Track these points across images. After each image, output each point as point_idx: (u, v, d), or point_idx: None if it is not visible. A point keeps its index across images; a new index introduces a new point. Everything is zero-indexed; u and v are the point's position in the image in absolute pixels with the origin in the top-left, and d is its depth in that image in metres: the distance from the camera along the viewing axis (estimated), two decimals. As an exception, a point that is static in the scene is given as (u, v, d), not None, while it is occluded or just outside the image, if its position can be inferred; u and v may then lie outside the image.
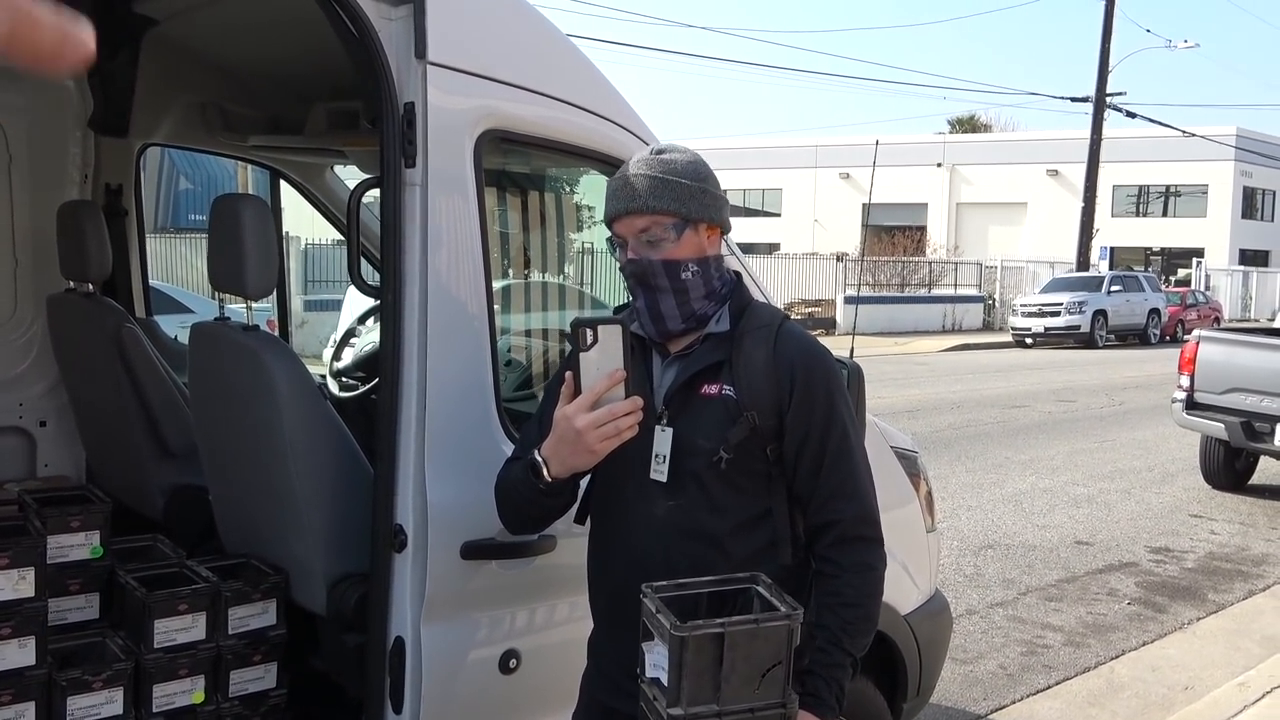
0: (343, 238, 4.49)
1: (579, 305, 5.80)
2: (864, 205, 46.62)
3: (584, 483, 2.09)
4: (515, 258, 3.86)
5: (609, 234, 2.03)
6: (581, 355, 1.87)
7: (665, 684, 1.77)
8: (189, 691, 2.67)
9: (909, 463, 3.59)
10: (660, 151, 2.02)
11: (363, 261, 2.58)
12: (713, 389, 2.00)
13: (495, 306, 2.43)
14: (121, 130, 3.80)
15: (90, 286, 3.52)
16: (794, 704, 1.82)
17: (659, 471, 2.00)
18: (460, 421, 2.34)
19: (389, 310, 2.30)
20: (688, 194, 1.97)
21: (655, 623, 1.80)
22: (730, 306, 2.06)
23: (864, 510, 2.03)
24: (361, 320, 4.20)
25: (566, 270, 6.75)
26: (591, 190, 3.27)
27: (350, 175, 4.45)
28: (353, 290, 4.75)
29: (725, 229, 2.07)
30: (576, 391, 1.88)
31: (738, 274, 2.13)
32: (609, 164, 2.64)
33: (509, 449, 2.39)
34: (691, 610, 1.84)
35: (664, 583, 1.88)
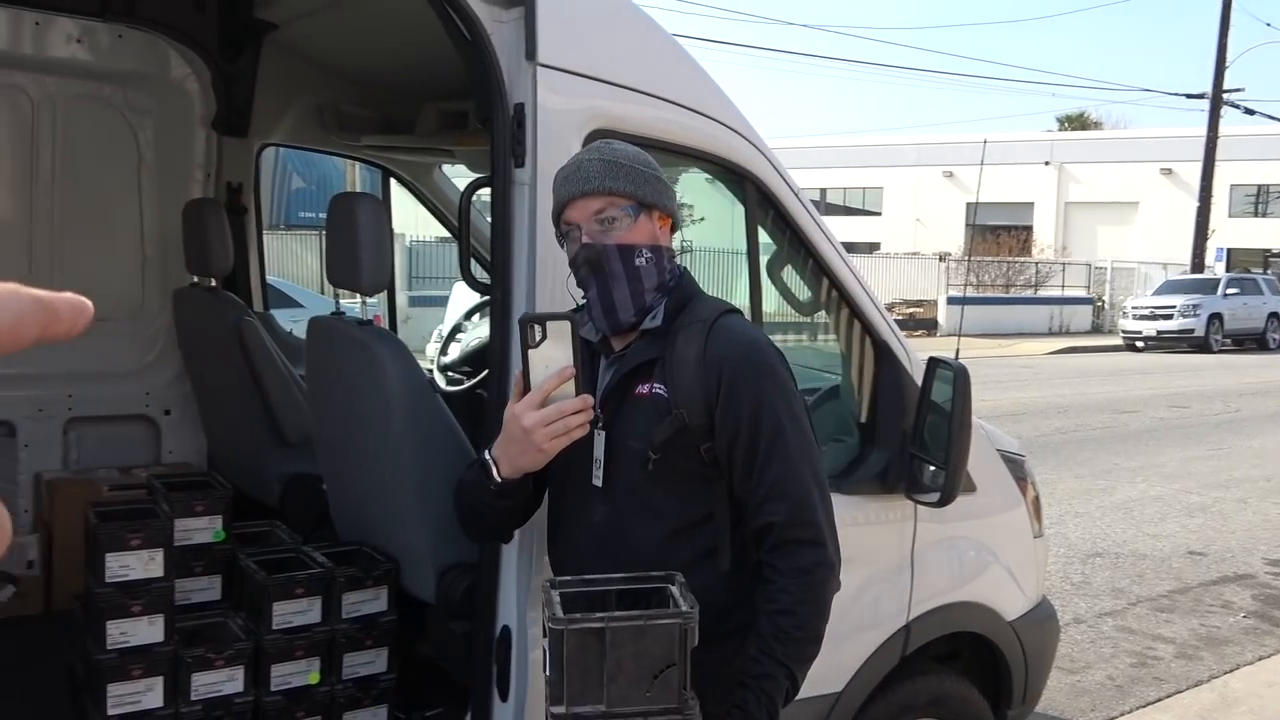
0: (448, 235, 4.58)
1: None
2: (968, 204, 45.74)
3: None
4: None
5: (557, 229, 2.00)
6: (530, 352, 1.82)
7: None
8: (305, 672, 2.77)
9: (1016, 466, 3.54)
10: (608, 141, 2.01)
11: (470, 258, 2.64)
12: (645, 388, 1.94)
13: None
14: (242, 130, 3.95)
15: (213, 281, 3.66)
16: (693, 710, 1.72)
17: (597, 476, 1.96)
18: (567, 414, 2.37)
19: (497, 306, 2.35)
20: (641, 178, 1.93)
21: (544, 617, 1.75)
22: (669, 302, 1.98)
23: (800, 511, 1.92)
24: (468, 316, 4.29)
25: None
26: (689, 189, 3.27)
27: (457, 174, 4.55)
28: (459, 286, 4.86)
29: (677, 222, 2.02)
30: (526, 389, 1.83)
31: (684, 270, 2.06)
32: (714, 163, 2.66)
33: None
34: (600, 608, 1.76)
35: (568, 578, 1.84)
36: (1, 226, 3.79)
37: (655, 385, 1.93)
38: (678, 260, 2.05)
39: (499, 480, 1.90)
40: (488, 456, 1.91)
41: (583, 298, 1.98)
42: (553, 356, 1.81)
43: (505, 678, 2.35)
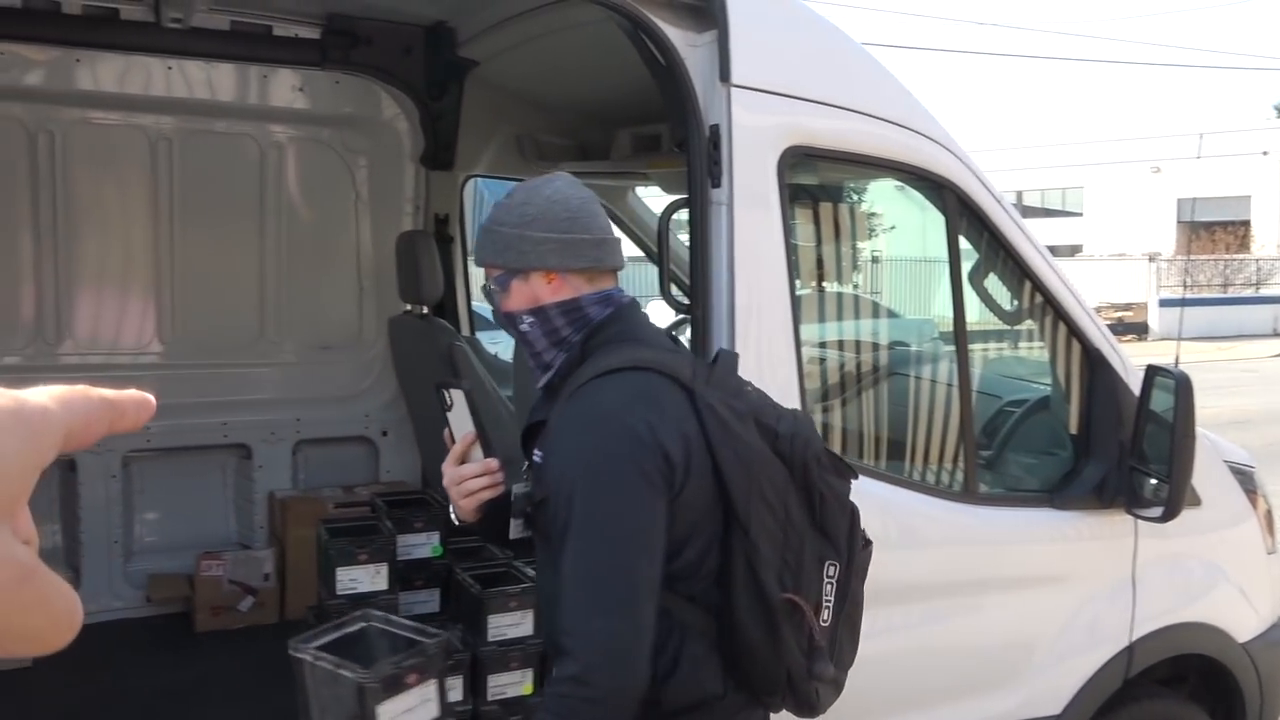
0: (636, 255, 4.67)
1: (873, 315, 5.74)
2: (1179, 201, 43.19)
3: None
4: (812, 269, 3.89)
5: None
6: (448, 415, 1.92)
7: None
8: (520, 683, 2.87)
9: (1245, 479, 3.33)
10: (510, 193, 1.92)
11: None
12: (536, 454, 1.82)
13: (799, 318, 2.48)
14: (448, 164, 4.15)
15: (424, 308, 3.85)
16: None
17: (514, 531, 1.93)
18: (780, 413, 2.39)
19: (698, 324, 2.38)
20: (506, 243, 1.83)
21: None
22: (570, 356, 1.83)
23: (566, 614, 1.68)
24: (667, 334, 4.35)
25: (857, 280, 6.69)
26: (881, 199, 3.22)
27: (649, 195, 4.63)
28: (654, 305, 4.94)
29: (562, 270, 1.83)
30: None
31: (609, 316, 1.86)
32: (912, 174, 2.63)
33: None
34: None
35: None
36: (237, 263, 4.10)
37: (537, 452, 1.82)
38: (590, 308, 1.86)
39: (456, 522, 1.99)
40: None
41: None
42: (461, 421, 1.90)
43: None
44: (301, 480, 4.29)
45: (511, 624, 2.83)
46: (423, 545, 3.12)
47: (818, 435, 1.89)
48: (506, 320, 1.90)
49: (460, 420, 1.91)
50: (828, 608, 1.80)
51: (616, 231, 4.60)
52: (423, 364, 3.80)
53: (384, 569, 2.86)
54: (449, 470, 1.90)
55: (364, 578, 2.84)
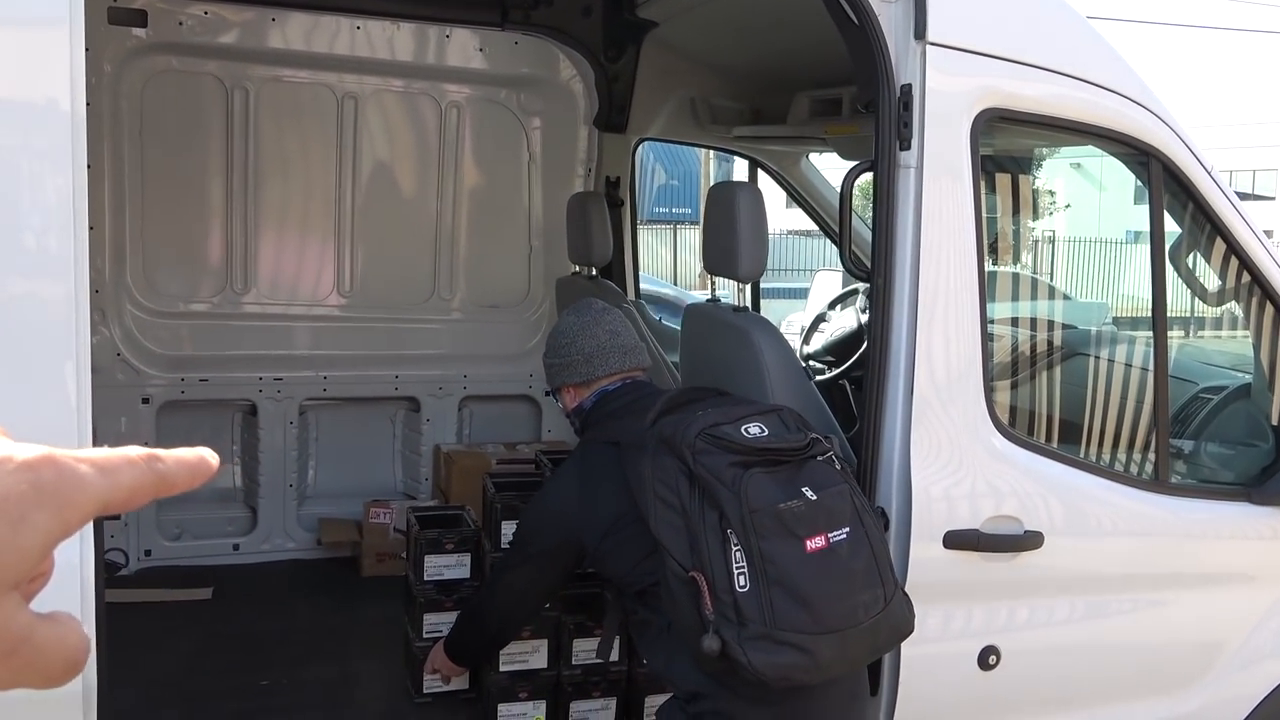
0: (794, 227, 4.58)
1: (1050, 297, 5.50)
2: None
3: None
4: (996, 244, 3.74)
5: None
6: None
7: None
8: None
9: None
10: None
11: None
12: None
13: (986, 295, 2.37)
14: (621, 126, 4.14)
15: (593, 270, 3.87)
16: None
17: None
18: (948, 409, 2.30)
19: (878, 294, 2.30)
20: (546, 372, 2.68)
21: None
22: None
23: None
24: (832, 305, 4.27)
25: (1026, 258, 6.43)
26: (1058, 174, 3.06)
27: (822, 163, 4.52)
28: (822, 275, 4.85)
29: (579, 383, 2.58)
30: None
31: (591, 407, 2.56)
32: (1117, 142, 2.48)
33: (998, 442, 2.33)
34: None
35: None
36: (414, 221, 4.20)
37: None
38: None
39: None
40: None
41: None
42: None
43: (876, 672, 2.32)
44: (466, 435, 4.38)
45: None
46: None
47: (700, 424, 2.11)
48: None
49: None
50: (740, 573, 1.98)
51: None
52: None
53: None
54: None
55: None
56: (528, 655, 2.85)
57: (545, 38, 3.99)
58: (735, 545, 1.99)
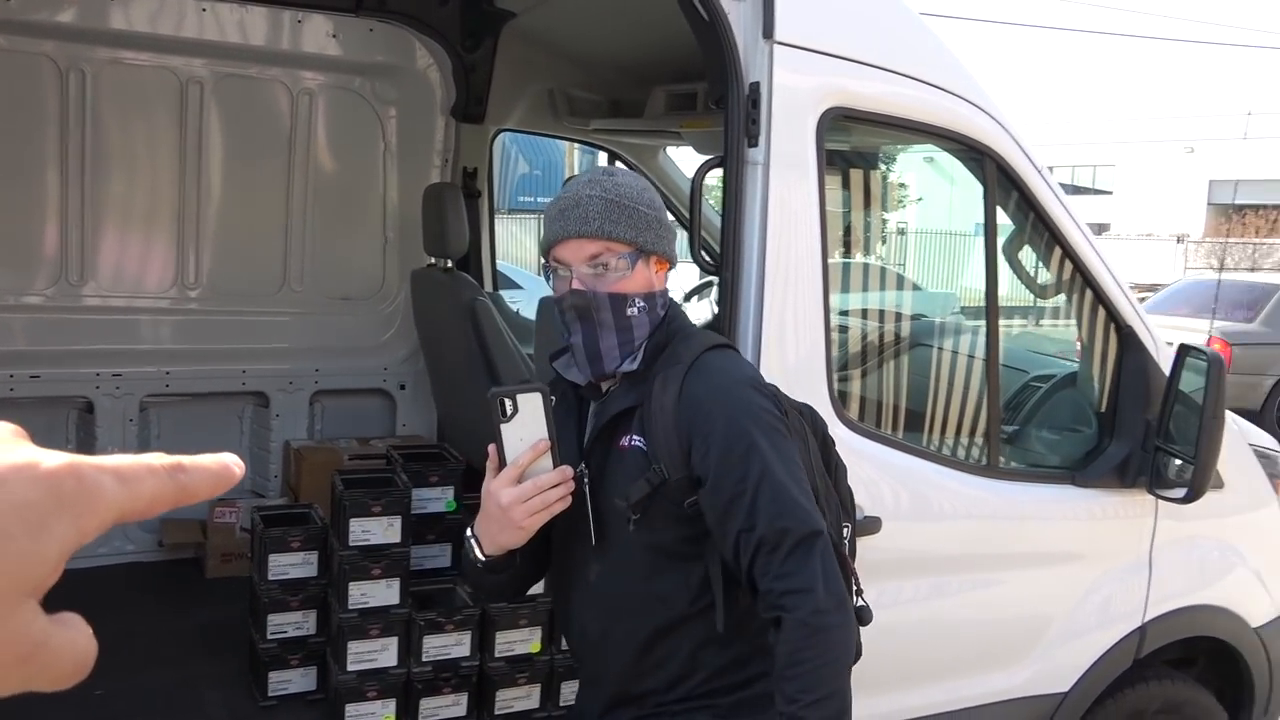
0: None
1: (899, 287, 5.68)
2: (1211, 182, 42.68)
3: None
4: (845, 237, 3.85)
5: (546, 261, 1.84)
6: (502, 426, 1.70)
7: None
8: (528, 640, 2.88)
9: (1269, 463, 3.30)
10: (610, 174, 1.87)
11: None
12: (625, 441, 1.80)
13: (829, 286, 2.44)
14: (478, 117, 4.11)
15: (449, 262, 3.83)
16: None
17: (589, 534, 1.83)
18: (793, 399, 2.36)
19: (726, 287, 2.35)
20: (644, 222, 1.79)
21: None
22: (650, 343, 1.82)
23: (790, 561, 1.70)
24: (688, 297, 4.32)
25: (880, 251, 6.64)
26: (915, 169, 3.18)
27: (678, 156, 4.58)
28: (682, 268, 4.89)
29: (673, 264, 1.88)
30: (501, 465, 1.72)
31: (671, 303, 1.90)
32: (953, 140, 2.58)
33: (840, 430, 2.40)
34: None
35: None
36: (263, 212, 4.08)
37: (634, 438, 1.79)
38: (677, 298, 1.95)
39: (483, 558, 1.80)
40: (469, 534, 1.82)
41: (567, 338, 1.84)
42: (526, 430, 1.70)
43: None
44: (318, 431, 4.29)
45: (524, 581, 2.83)
46: (437, 500, 3.11)
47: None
48: (609, 303, 1.77)
49: (525, 429, 1.70)
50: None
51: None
52: (444, 318, 3.78)
53: (397, 522, 2.86)
54: (509, 489, 1.70)
55: (377, 529, 2.83)
56: (376, 654, 2.81)
57: (401, 25, 3.93)
58: (845, 539, 1.94)
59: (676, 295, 4.46)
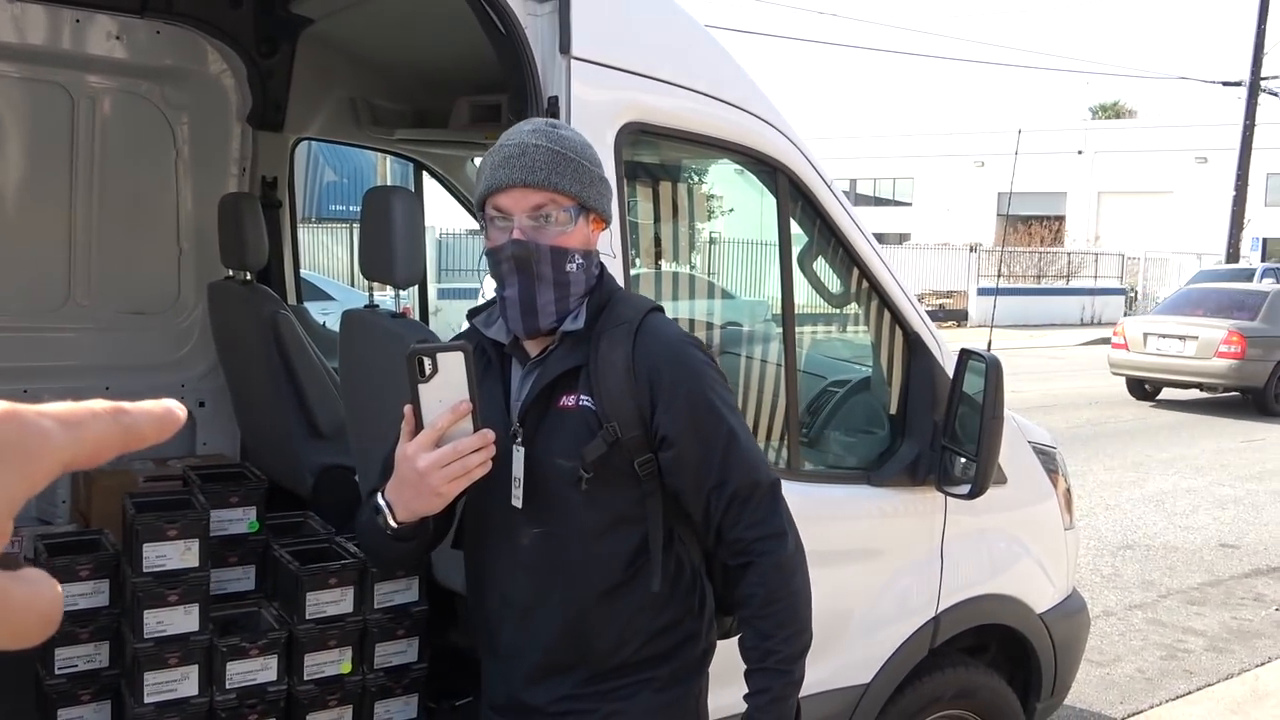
0: (477, 227, 4.60)
1: (709, 295, 5.83)
2: (1000, 194, 45.36)
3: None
4: (649, 248, 3.91)
5: (482, 211, 1.80)
6: (420, 387, 1.62)
7: None
8: (337, 661, 2.80)
9: (1047, 458, 3.52)
10: (554, 125, 1.84)
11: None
12: (570, 400, 1.79)
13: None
14: (277, 125, 3.99)
15: (248, 274, 3.70)
16: None
17: (516, 497, 1.80)
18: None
19: (531, 299, 2.36)
20: (588, 177, 1.77)
21: None
22: (590, 302, 1.82)
23: (760, 511, 1.83)
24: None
25: (694, 260, 6.79)
26: (721, 180, 3.28)
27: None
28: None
29: (607, 223, 1.88)
30: (418, 428, 1.64)
31: (602, 265, 1.91)
32: (747, 156, 2.66)
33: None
34: None
35: None
36: (43, 221, 3.84)
37: (581, 397, 1.78)
38: (605, 258, 1.95)
39: (394, 525, 1.72)
40: (380, 501, 1.73)
41: (496, 292, 1.82)
42: (446, 390, 1.63)
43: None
44: (111, 452, 4.07)
45: (331, 601, 2.76)
46: (239, 520, 3.00)
47: None
48: (549, 255, 1.74)
49: (444, 390, 1.62)
50: None
51: (448, 201, 4.54)
52: (245, 332, 3.66)
53: (195, 545, 2.74)
54: (426, 454, 1.62)
55: (173, 554, 2.71)
56: (175, 684, 2.69)
57: (191, 29, 3.78)
58: None
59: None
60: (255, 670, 2.75)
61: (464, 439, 1.63)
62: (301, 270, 4.58)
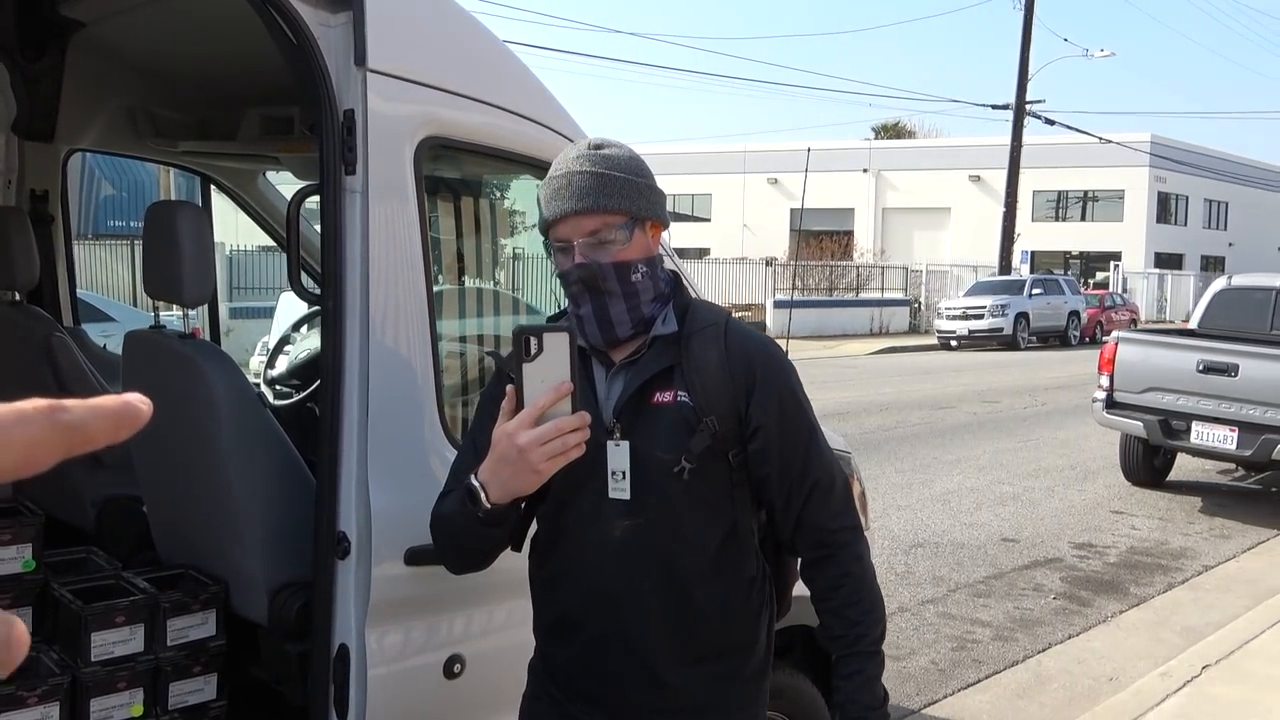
0: (270, 244, 4.43)
1: (514, 311, 5.80)
2: (792, 210, 47.11)
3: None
4: (452, 264, 3.87)
5: (546, 239, 1.90)
6: (525, 366, 1.70)
7: None
8: (127, 705, 2.63)
9: (843, 463, 3.66)
10: (598, 146, 1.90)
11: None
12: (666, 396, 1.88)
13: (435, 312, 2.45)
14: (47, 135, 3.73)
15: (16, 295, 3.45)
16: None
17: (619, 489, 1.87)
18: (402, 427, 2.34)
19: (329, 316, 2.29)
20: (636, 191, 1.85)
21: None
22: (674, 307, 1.95)
23: (841, 504, 1.97)
24: (296, 327, 4.17)
25: (498, 276, 6.75)
26: (523, 196, 3.30)
27: (281, 180, 4.41)
28: (286, 297, 4.72)
29: (666, 226, 1.97)
30: (518, 407, 1.71)
31: (675, 273, 2.04)
32: (545, 170, 2.67)
33: (451, 454, 2.40)
34: None
35: None
36: None
37: (678, 393, 1.88)
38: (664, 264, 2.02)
39: (488, 507, 1.77)
40: (474, 482, 1.77)
41: (574, 311, 1.90)
42: (548, 371, 1.69)
43: (344, 696, 2.30)
44: None
45: (119, 641, 2.59)
46: (12, 559, 2.78)
47: None
48: (614, 272, 1.84)
49: (546, 370, 1.68)
50: None
51: (238, 218, 4.36)
52: (15, 357, 3.40)
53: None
54: (527, 431, 1.67)
55: (-64, 599, 2.50)
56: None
57: (-56, 31, 3.49)
58: None
59: (285, 327, 4.29)
60: (33, 720, 2.56)
61: (565, 418, 1.69)
62: (78, 290, 4.30)
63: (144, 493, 3.03)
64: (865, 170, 49.96)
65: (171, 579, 2.81)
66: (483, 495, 1.77)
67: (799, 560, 2.03)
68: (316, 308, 4.32)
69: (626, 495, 1.87)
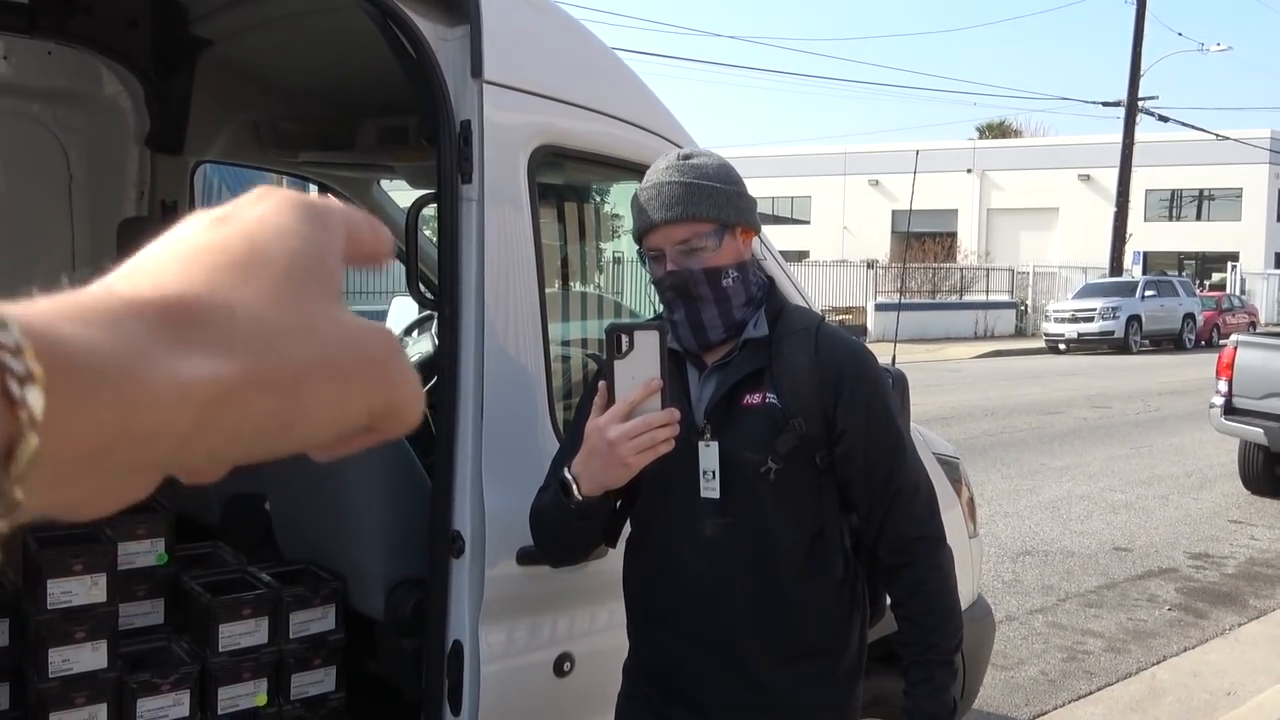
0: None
1: (615, 314, 5.85)
2: (894, 212, 46.47)
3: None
4: (557, 268, 3.93)
5: (640, 248, 1.96)
6: (616, 363, 1.76)
7: None
8: (252, 694, 2.75)
9: (950, 468, 3.62)
10: (687, 156, 1.96)
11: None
12: (755, 398, 1.93)
13: (547, 316, 2.50)
14: (177, 148, 3.90)
15: (148, 300, 3.61)
16: None
17: (709, 489, 1.92)
18: (516, 429, 2.40)
19: (446, 321, 2.36)
20: (724, 199, 1.90)
21: None
22: (766, 310, 1.99)
23: (925, 511, 2.00)
24: (408, 331, 4.28)
25: (598, 280, 6.82)
26: (622, 200, 3.33)
27: (395, 189, 4.54)
28: (398, 301, 4.85)
29: (757, 231, 2.02)
30: (610, 402, 1.77)
31: (770, 277, 2.08)
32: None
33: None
34: None
35: None
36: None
37: (767, 395, 1.92)
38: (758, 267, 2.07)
39: (579, 499, 1.84)
40: (567, 475, 1.85)
41: (668, 316, 1.96)
42: (639, 368, 1.75)
43: (457, 692, 2.36)
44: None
45: (244, 632, 2.70)
46: (146, 553, 2.92)
47: None
48: (705, 278, 1.89)
49: (637, 367, 1.75)
50: None
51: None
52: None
53: (102, 580, 2.66)
54: (617, 426, 1.73)
55: (79, 590, 2.62)
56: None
57: (85, 49, 3.68)
58: None
59: (396, 329, 4.41)
60: (167, 706, 2.68)
61: (654, 414, 1.75)
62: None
63: (267, 490, 3.15)
64: (969, 171, 48.99)
65: (293, 574, 2.91)
66: (575, 488, 1.84)
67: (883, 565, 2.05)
68: (427, 312, 4.44)
69: (716, 495, 1.93)
